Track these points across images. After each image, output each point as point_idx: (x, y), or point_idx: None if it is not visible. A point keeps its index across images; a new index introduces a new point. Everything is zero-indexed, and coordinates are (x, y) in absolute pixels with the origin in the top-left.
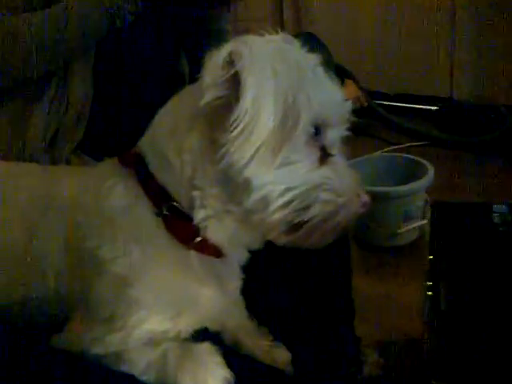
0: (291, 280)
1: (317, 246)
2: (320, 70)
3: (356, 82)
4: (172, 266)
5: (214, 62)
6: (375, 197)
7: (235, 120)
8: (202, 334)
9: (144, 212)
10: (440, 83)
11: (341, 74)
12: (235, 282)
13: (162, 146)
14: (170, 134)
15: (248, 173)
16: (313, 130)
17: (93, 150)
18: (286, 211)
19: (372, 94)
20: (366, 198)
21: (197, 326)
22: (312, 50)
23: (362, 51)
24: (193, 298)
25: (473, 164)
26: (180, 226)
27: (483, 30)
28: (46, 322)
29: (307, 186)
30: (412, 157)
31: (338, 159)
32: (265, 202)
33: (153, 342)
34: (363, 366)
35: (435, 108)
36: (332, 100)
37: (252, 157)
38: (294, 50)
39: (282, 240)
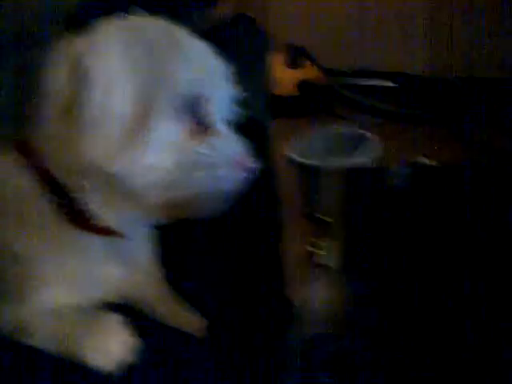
0: (217, 246)
1: (205, 216)
2: (188, 42)
3: (313, 61)
4: (69, 248)
5: (60, 64)
6: (321, 171)
7: (84, 115)
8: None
9: (37, 197)
10: (396, 58)
11: (297, 54)
12: (144, 256)
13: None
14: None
15: (110, 168)
16: (182, 105)
17: None
18: (161, 194)
19: (331, 73)
20: (248, 163)
21: (102, 301)
22: (244, 32)
23: (321, 30)
24: (94, 276)
25: (424, 136)
26: (72, 211)
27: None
28: None
29: (179, 167)
30: (362, 131)
31: (219, 129)
32: (136, 188)
33: (54, 312)
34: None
35: (393, 84)
36: (203, 70)
37: (110, 151)
38: (153, 28)
39: (170, 217)
